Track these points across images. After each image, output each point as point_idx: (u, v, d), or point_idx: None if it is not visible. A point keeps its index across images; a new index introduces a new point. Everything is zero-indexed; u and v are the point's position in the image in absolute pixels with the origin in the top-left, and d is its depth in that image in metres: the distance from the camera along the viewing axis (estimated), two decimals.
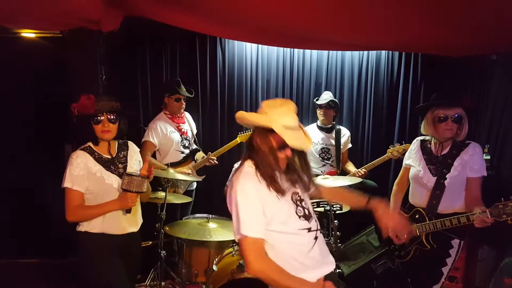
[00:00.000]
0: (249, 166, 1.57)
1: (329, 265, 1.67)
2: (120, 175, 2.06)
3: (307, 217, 1.62)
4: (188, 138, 3.48)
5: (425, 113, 2.21)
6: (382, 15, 2.25)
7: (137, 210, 2.20)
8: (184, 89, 3.36)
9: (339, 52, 3.98)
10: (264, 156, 1.54)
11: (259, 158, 1.55)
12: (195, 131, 3.62)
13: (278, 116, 1.49)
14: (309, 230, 1.61)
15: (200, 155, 3.53)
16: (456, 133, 2.11)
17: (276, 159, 1.54)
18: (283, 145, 1.51)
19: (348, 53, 3.98)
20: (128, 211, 2.06)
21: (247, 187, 1.51)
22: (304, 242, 1.58)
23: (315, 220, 1.69)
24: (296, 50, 4.00)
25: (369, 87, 3.98)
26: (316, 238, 1.64)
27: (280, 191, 1.53)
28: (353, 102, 4.03)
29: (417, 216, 2.25)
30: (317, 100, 3.65)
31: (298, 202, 1.62)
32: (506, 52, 3.10)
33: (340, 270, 2.78)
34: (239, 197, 1.49)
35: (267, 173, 1.53)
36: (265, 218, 1.49)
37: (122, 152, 2.17)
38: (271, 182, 1.52)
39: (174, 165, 3.30)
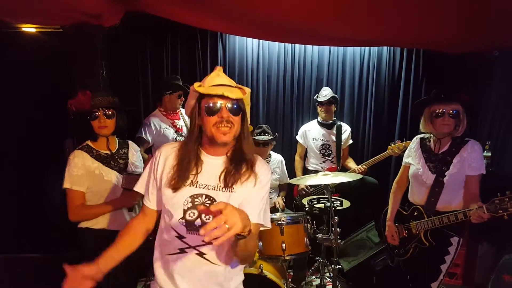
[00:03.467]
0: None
1: None
2: (120, 171, 2.07)
3: (194, 227, 1.37)
4: (183, 134, 3.47)
5: (423, 110, 2.21)
6: (384, 11, 2.24)
7: (140, 206, 2.21)
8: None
9: (341, 48, 3.97)
10: (190, 127, 1.43)
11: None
12: None
13: (209, 81, 1.39)
14: (182, 239, 1.38)
15: None
16: (454, 128, 2.10)
17: (199, 130, 1.40)
18: (209, 108, 1.35)
19: (349, 49, 3.96)
20: (130, 209, 2.06)
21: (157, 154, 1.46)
22: (172, 243, 1.41)
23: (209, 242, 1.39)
24: (297, 45, 3.99)
25: (371, 83, 3.97)
26: (185, 251, 1.38)
27: (174, 184, 1.37)
28: (354, 98, 4.02)
29: (415, 214, 2.26)
30: (317, 97, 3.64)
31: (201, 206, 1.34)
32: (508, 48, 3.08)
33: (340, 266, 2.79)
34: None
35: (183, 149, 1.41)
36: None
37: (123, 150, 2.18)
38: (177, 168, 1.38)
39: None
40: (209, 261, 1.38)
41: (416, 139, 2.35)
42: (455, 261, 2.20)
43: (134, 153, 2.23)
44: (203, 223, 1.35)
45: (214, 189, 1.39)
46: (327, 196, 2.75)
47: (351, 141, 3.77)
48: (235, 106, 1.36)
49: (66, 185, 1.96)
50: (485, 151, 3.27)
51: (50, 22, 3.26)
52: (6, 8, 2.37)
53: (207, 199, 1.37)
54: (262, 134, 3.34)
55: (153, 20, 2.88)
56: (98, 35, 3.25)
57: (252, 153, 1.45)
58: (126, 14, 2.69)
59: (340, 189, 3.36)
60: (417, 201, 2.27)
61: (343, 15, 2.35)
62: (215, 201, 1.37)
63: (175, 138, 3.38)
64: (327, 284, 3.00)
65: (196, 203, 1.37)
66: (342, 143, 3.60)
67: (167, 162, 1.42)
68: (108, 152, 2.10)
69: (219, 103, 1.34)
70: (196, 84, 1.37)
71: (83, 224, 2.04)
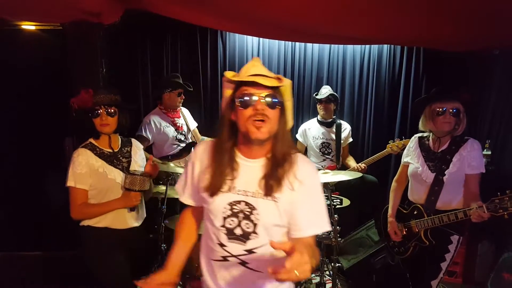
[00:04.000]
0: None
1: None
2: (123, 169, 2.06)
3: (235, 236, 1.30)
4: (183, 132, 3.47)
5: (423, 108, 2.21)
6: (384, 10, 2.24)
7: (142, 206, 2.22)
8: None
9: (341, 46, 3.96)
10: (221, 123, 1.32)
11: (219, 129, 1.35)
12: (193, 125, 3.61)
13: (245, 71, 1.29)
14: (223, 246, 1.32)
15: None
16: (454, 127, 2.10)
17: (232, 127, 1.30)
18: (243, 100, 1.23)
19: (350, 47, 3.96)
20: (132, 209, 2.06)
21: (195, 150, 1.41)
22: (215, 250, 1.35)
23: (251, 252, 1.31)
24: (297, 43, 3.98)
25: (371, 82, 3.97)
26: (227, 260, 1.33)
27: (211, 189, 1.30)
28: (354, 97, 4.02)
29: (415, 213, 2.26)
30: (316, 95, 3.64)
31: (240, 214, 1.29)
32: (508, 47, 3.08)
33: (339, 264, 2.80)
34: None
35: (216, 148, 1.32)
36: None
37: (126, 148, 2.16)
38: (211, 170, 1.31)
39: (174, 157, 3.30)
40: (253, 270, 1.33)
41: (414, 138, 2.35)
42: (454, 259, 2.21)
43: (137, 151, 2.22)
44: (245, 233, 1.29)
45: (254, 196, 1.29)
46: (326, 195, 2.75)
47: (351, 139, 3.77)
48: (273, 99, 1.24)
49: (70, 183, 1.95)
50: (485, 150, 3.27)
51: (50, 20, 3.26)
52: (5, 6, 2.36)
53: (246, 207, 1.29)
54: None
55: (153, 18, 2.88)
56: (98, 33, 3.23)
57: (292, 152, 1.33)
58: (126, 12, 2.69)
59: (340, 188, 3.36)
60: (417, 199, 2.27)
61: (343, 13, 2.35)
62: (255, 209, 1.28)
63: (175, 136, 3.39)
64: (327, 282, 3.00)
65: (235, 210, 1.30)
66: (342, 142, 3.60)
67: (202, 162, 1.36)
68: (111, 151, 2.09)
69: (254, 94, 1.22)
70: (229, 74, 1.29)
71: (85, 222, 2.03)
